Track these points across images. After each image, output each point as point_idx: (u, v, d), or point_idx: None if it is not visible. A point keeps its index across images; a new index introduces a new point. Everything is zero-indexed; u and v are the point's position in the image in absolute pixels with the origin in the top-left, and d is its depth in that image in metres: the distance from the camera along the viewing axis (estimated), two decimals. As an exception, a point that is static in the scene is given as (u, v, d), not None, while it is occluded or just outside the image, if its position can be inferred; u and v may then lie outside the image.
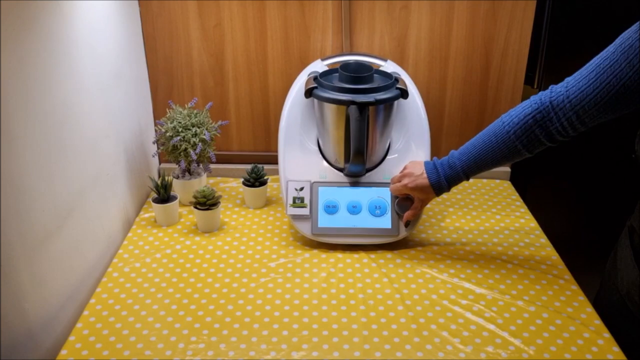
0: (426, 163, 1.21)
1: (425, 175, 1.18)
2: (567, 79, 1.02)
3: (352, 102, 1.19)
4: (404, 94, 1.25)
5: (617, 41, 0.94)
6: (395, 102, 1.27)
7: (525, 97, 1.58)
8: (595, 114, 0.98)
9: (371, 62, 1.34)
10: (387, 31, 1.49)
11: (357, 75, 1.25)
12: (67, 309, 1.08)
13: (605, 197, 1.74)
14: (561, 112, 1.01)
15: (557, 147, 1.65)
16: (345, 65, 1.30)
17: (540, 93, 1.05)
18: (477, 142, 1.12)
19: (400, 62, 1.50)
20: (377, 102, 1.20)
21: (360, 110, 1.19)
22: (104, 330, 1.04)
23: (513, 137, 1.06)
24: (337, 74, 1.29)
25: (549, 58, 1.57)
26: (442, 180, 1.17)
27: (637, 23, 0.92)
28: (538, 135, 1.04)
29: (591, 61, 0.98)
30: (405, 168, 1.25)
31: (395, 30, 1.49)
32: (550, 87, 1.04)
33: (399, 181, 1.24)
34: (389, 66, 1.38)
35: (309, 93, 1.26)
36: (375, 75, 1.30)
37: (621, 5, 1.51)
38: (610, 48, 0.95)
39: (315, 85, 1.26)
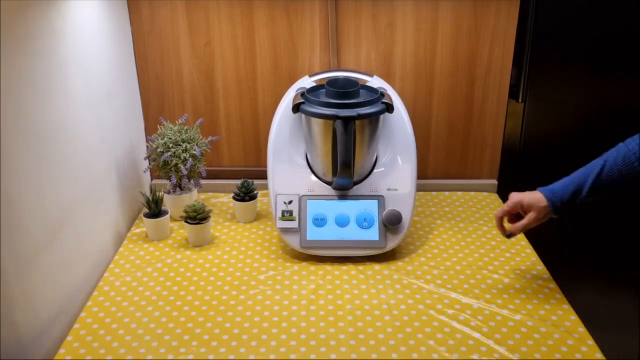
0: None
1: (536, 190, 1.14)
2: None
3: (336, 117, 1.22)
4: (389, 108, 1.28)
5: None
6: (382, 117, 1.30)
7: (510, 111, 1.62)
8: None
9: (358, 78, 1.37)
10: (373, 48, 1.52)
11: (343, 90, 1.28)
12: (58, 322, 1.09)
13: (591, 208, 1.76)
14: None
15: (543, 158, 1.69)
16: (332, 82, 1.33)
17: None
18: (585, 167, 1.10)
19: (387, 78, 1.53)
20: (360, 117, 1.23)
21: (345, 125, 1.21)
22: (94, 343, 1.05)
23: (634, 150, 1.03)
24: (325, 90, 1.32)
25: (533, 73, 1.60)
26: (557, 190, 1.11)
27: None
28: None
29: None
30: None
31: (382, 47, 1.52)
32: None
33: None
34: (376, 82, 1.41)
35: (296, 108, 1.28)
36: (362, 90, 1.33)
37: (602, 19, 1.55)
38: None
39: (303, 101, 1.29)
